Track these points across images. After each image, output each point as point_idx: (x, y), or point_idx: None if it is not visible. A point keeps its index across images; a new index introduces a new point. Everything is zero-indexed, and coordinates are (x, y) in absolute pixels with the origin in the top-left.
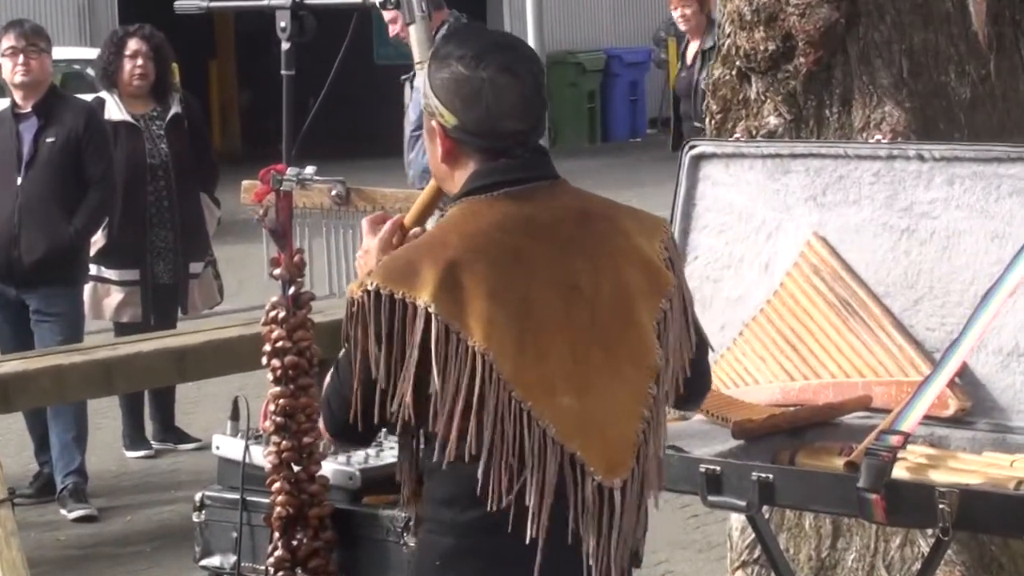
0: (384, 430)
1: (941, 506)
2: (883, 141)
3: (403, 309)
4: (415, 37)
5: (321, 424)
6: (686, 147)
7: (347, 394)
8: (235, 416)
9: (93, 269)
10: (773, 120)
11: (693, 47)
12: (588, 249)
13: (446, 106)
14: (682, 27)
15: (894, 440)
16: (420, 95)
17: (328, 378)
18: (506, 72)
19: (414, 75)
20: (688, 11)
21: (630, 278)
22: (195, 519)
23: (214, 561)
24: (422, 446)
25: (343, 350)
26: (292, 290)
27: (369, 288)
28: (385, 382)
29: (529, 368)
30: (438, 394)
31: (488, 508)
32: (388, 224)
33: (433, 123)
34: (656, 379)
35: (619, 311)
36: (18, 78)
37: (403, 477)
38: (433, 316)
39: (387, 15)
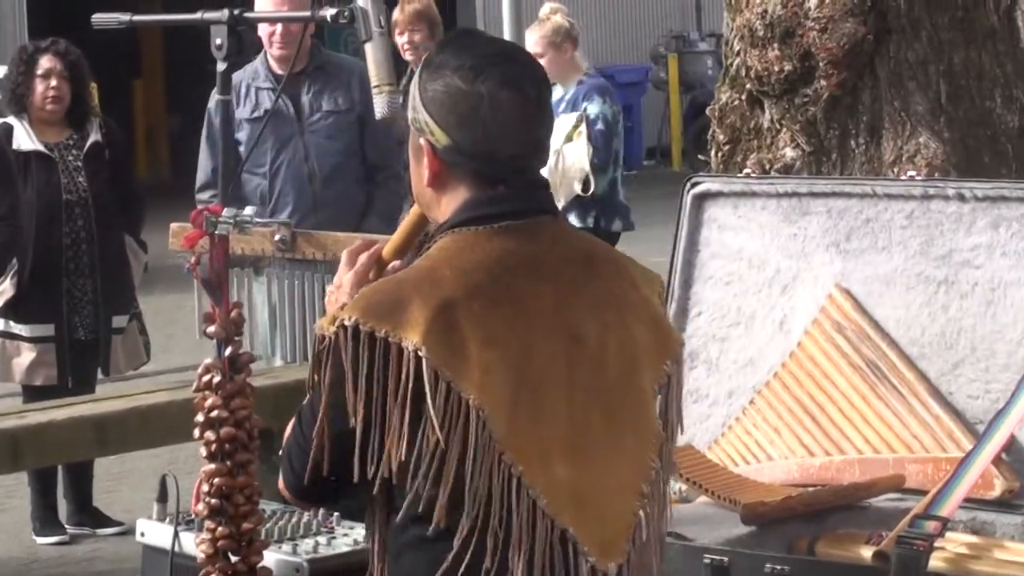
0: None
1: None
2: (917, 177)
3: (384, 349)
4: (372, 56)
5: (280, 483)
6: (688, 184)
7: (311, 448)
8: (163, 497)
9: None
10: (789, 152)
11: None
12: (594, 298)
13: (438, 123)
14: (408, 57)
15: (930, 526)
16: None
17: (288, 430)
18: (508, 87)
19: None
20: (416, 37)
21: (638, 335)
22: None
23: None
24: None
25: (307, 398)
26: (228, 351)
27: (346, 323)
28: (363, 433)
29: (523, 429)
30: (423, 451)
31: None
32: (364, 256)
33: (421, 141)
34: (659, 452)
35: (624, 371)
36: None
37: (374, 553)
38: (424, 360)
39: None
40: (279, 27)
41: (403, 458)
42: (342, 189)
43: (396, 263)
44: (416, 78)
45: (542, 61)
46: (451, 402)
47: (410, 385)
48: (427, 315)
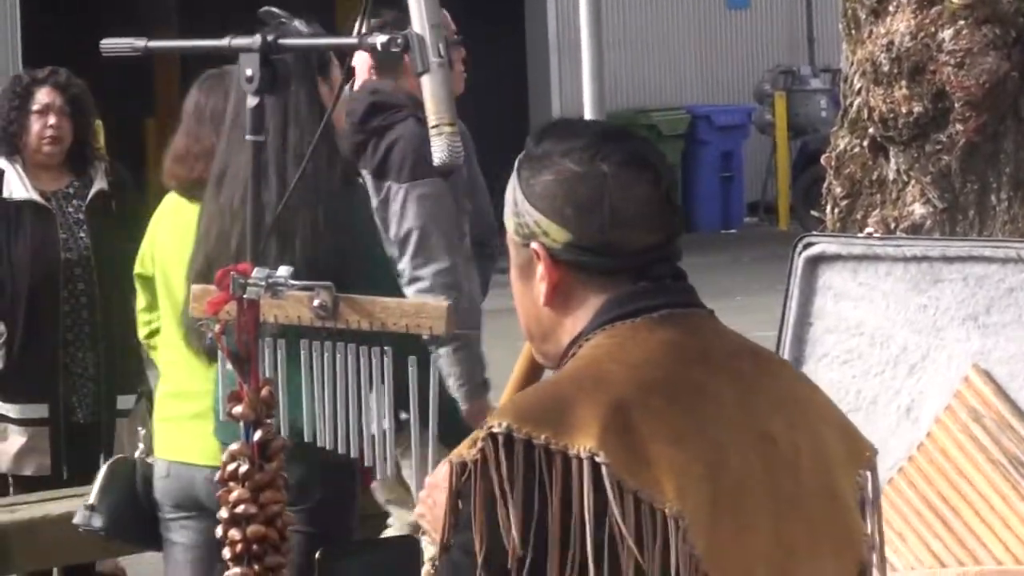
0: None
1: None
2: None
3: (547, 460)
4: (430, 91)
5: None
6: (799, 245)
7: None
8: None
9: None
10: (919, 209)
11: None
12: (775, 395)
13: (552, 218)
14: None
15: None
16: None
17: None
18: (633, 165)
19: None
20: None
21: (828, 439)
22: None
23: None
24: None
25: (442, 562)
26: (258, 435)
27: (495, 431)
28: (532, 570)
29: (727, 543)
30: None
31: None
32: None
33: (534, 246)
34: (861, 574)
35: (822, 481)
36: None
37: None
38: (604, 467)
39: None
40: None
41: None
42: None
43: None
44: (514, 179)
45: None
46: (642, 514)
47: (585, 500)
48: (600, 415)
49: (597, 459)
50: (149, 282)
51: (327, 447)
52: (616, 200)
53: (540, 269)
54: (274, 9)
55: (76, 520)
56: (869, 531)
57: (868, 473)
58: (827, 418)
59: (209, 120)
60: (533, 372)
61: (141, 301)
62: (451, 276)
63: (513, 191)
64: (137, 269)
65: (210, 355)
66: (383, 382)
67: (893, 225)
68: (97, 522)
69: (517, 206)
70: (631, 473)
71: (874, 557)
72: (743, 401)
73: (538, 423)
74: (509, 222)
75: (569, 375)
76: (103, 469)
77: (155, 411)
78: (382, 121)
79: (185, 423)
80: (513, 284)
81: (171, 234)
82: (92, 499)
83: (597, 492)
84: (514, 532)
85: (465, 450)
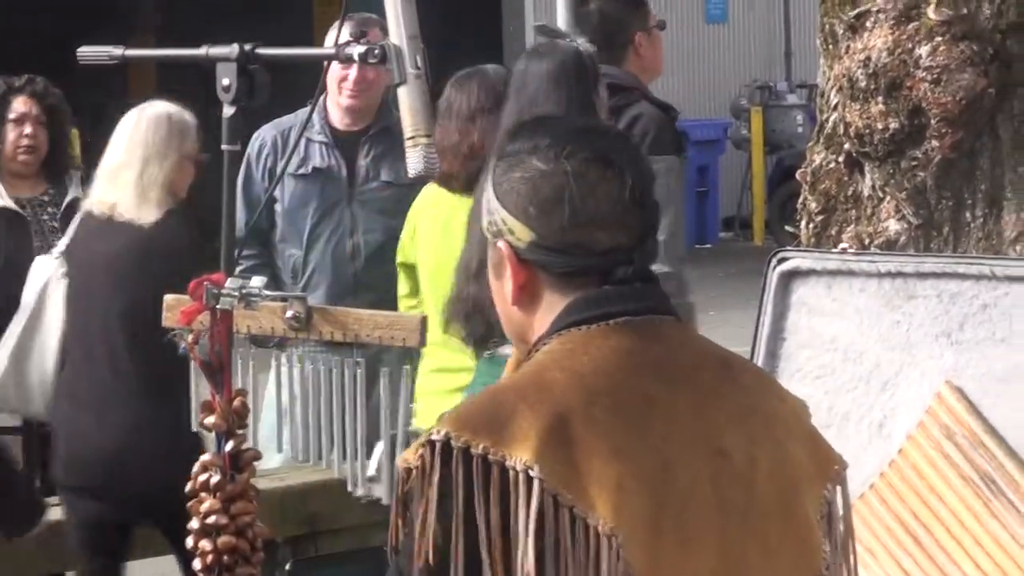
0: None
1: None
2: None
3: (484, 470)
4: (406, 103)
5: None
6: (773, 260)
7: None
8: None
9: None
10: (894, 225)
11: None
12: (736, 407)
13: (517, 216)
14: None
15: None
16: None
17: None
18: (598, 163)
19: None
20: None
21: (792, 453)
22: None
23: None
24: None
25: (399, 553)
26: (230, 446)
27: (433, 438)
28: (466, 567)
29: (669, 561)
30: None
31: None
32: None
33: (500, 245)
34: None
35: (781, 497)
36: None
37: None
38: (536, 482)
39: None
40: (353, 72)
41: None
42: (389, 272)
43: None
44: (487, 177)
45: None
46: (577, 529)
47: (522, 512)
48: (538, 427)
49: (531, 473)
50: (411, 270)
51: (296, 460)
52: (578, 199)
53: (508, 270)
54: (548, 24)
55: (358, 492)
56: (834, 546)
57: (837, 488)
58: (795, 431)
59: (455, 116)
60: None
61: (403, 287)
62: (682, 249)
63: (487, 189)
64: (399, 259)
65: (474, 345)
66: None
67: (868, 241)
68: (378, 492)
69: (488, 203)
70: (568, 487)
71: (843, 572)
72: (699, 414)
73: (477, 431)
74: (483, 219)
75: (514, 383)
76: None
77: (418, 386)
78: (618, 101)
79: (445, 396)
80: (491, 282)
81: (431, 224)
82: (371, 471)
83: (535, 505)
84: (458, 540)
85: (411, 455)
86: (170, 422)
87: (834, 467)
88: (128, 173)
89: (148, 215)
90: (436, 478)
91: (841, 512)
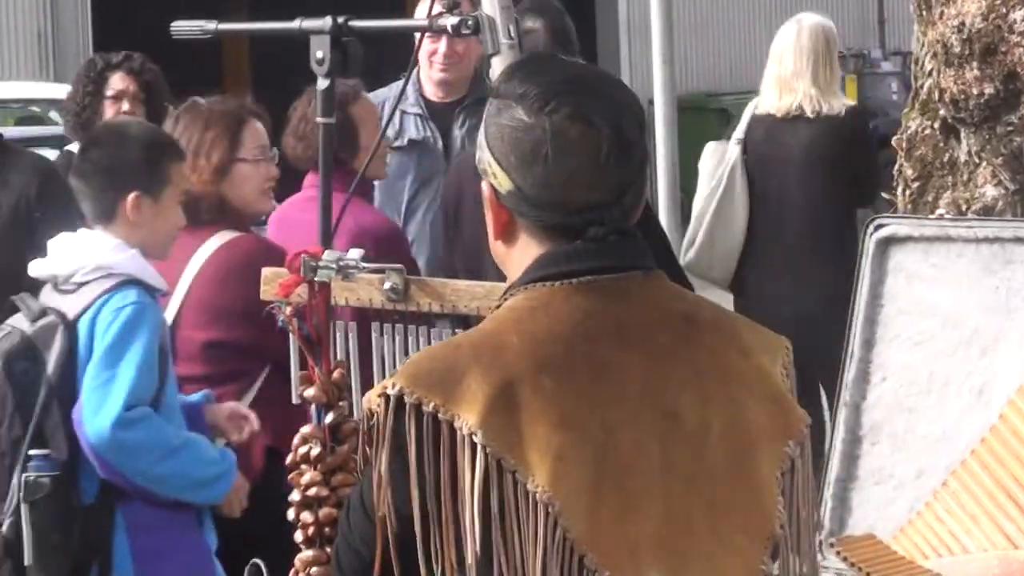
0: None
1: None
2: None
3: (434, 427)
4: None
5: None
6: (870, 227)
7: (360, 546)
8: None
9: None
10: (991, 190)
11: None
12: (693, 368)
13: (499, 162)
14: None
15: None
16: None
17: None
18: (577, 121)
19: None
20: None
21: (750, 413)
22: None
23: None
24: None
25: (356, 487)
26: (330, 417)
27: (388, 392)
28: (423, 530)
29: (609, 527)
30: (496, 555)
31: None
32: None
33: (484, 185)
34: (773, 552)
35: (733, 456)
36: None
37: None
38: (480, 447)
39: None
40: (442, 46)
41: (471, 561)
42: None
43: None
44: (485, 111)
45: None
46: (518, 496)
47: (467, 475)
48: (487, 392)
49: (475, 439)
50: None
51: None
52: (554, 156)
53: (491, 208)
54: None
55: None
56: (790, 503)
57: (798, 446)
58: (755, 389)
59: None
60: None
61: None
62: None
63: (482, 125)
64: None
65: None
66: None
67: (964, 207)
68: None
69: (480, 140)
70: (511, 452)
71: (798, 528)
72: (651, 376)
73: (430, 389)
74: (476, 153)
75: (473, 341)
76: None
77: None
78: None
79: None
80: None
81: None
82: None
83: (480, 467)
84: (410, 494)
85: (373, 399)
86: None
87: (799, 426)
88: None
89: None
90: (390, 433)
91: (801, 470)
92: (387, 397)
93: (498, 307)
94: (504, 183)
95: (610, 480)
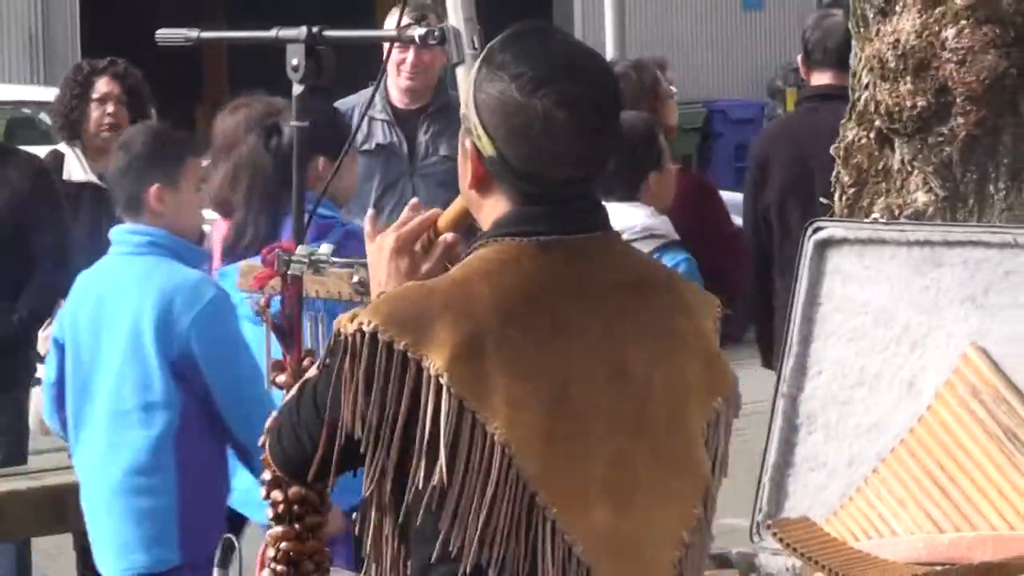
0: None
1: None
2: None
3: (403, 363)
4: (464, 82)
5: (267, 453)
6: (808, 230)
7: (306, 438)
8: (223, 562)
9: (41, 371)
10: (922, 197)
11: None
12: (643, 327)
13: (487, 130)
14: None
15: None
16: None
17: (286, 397)
18: (566, 107)
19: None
20: None
21: (688, 369)
22: None
23: None
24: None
25: (314, 378)
26: None
27: (364, 328)
28: (372, 451)
29: (559, 469)
30: (443, 488)
31: None
32: (416, 220)
33: (468, 143)
34: (704, 497)
35: (671, 409)
36: None
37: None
38: (444, 388)
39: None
40: (410, 56)
41: (420, 487)
42: None
43: (449, 236)
44: (474, 71)
45: None
46: (476, 436)
47: (429, 412)
48: (455, 339)
49: (441, 380)
50: None
51: None
52: (542, 138)
53: (470, 162)
54: None
55: None
56: (712, 452)
57: (725, 402)
58: (693, 347)
59: None
60: (465, 216)
61: None
62: None
63: (469, 83)
64: None
65: None
66: None
67: (897, 212)
68: None
69: (468, 98)
70: (473, 395)
71: (716, 474)
72: (605, 334)
73: (402, 329)
74: (461, 106)
75: (445, 288)
76: None
77: None
78: None
79: None
80: (459, 158)
81: None
82: None
83: (439, 408)
84: (372, 420)
85: (347, 322)
86: None
87: (726, 382)
88: None
89: None
90: (363, 366)
91: (724, 424)
92: (362, 333)
93: (468, 254)
94: (488, 148)
95: (563, 428)
